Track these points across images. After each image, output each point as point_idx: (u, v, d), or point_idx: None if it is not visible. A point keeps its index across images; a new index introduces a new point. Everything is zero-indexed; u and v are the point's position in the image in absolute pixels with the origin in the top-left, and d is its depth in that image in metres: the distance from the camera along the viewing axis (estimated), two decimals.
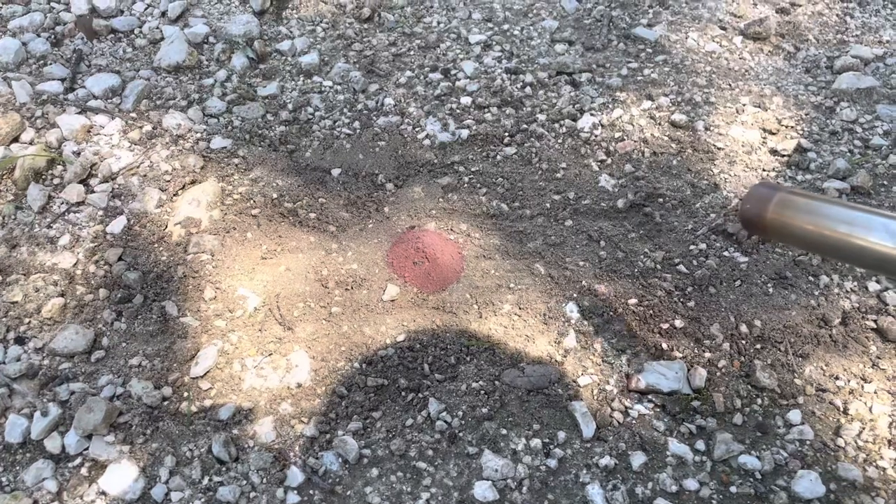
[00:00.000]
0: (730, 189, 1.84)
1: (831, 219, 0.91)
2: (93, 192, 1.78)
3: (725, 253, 1.70)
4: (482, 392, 1.46)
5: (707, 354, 1.53)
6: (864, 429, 1.42)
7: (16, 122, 1.88)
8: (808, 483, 1.33)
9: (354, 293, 1.63)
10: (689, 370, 1.50)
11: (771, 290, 1.62)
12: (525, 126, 2.00)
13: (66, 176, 1.79)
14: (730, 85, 2.13)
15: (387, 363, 1.51)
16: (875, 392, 1.47)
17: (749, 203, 1.01)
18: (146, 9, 2.30)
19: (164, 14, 2.29)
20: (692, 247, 1.72)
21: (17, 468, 1.35)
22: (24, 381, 1.45)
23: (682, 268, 1.68)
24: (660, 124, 2.00)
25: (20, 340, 1.52)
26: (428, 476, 1.34)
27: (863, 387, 1.48)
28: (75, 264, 1.65)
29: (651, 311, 1.60)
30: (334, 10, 2.36)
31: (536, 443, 1.39)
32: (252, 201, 1.80)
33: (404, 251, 1.71)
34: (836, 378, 1.50)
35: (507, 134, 1.98)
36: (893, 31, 2.33)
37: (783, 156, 1.93)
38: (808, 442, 1.40)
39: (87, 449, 1.36)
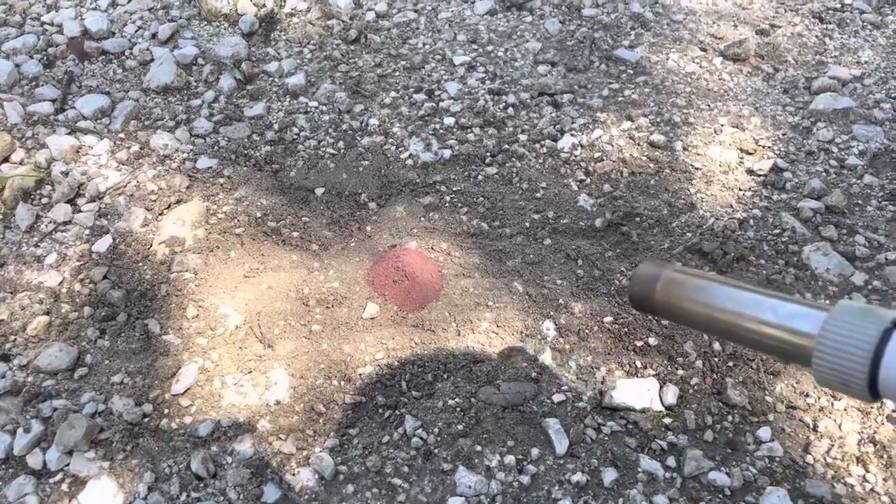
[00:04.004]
0: (706, 209, 1.87)
1: (720, 299, 0.89)
2: (80, 211, 1.82)
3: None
4: (458, 409, 1.49)
5: (680, 372, 1.56)
6: (833, 446, 1.44)
7: (6, 143, 1.91)
8: (777, 500, 1.35)
9: (335, 311, 1.66)
10: (661, 387, 1.53)
11: None
12: (507, 146, 2.04)
13: (53, 196, 1.83)
14: (709, 105, 2.17)
15: (365, 381, 1.53)
16: (844, 409, 1.49)
17: (636, 285, 0.99)
18: (137, 31, 2.35)
19: (154, 36, 2.34)
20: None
21: (0, 483, 1.37)
22: (8, 397, 1.48)
23: None
24: (639, 144, 2.04)
25: (5, 357, 1.54)
26: (402, 492, 1.36)
27: (832, 404, 1.50)
28: (61, 283, 1.68)
29: (626, 329, 1.63)
30: (322, 31, 2.41)
31: (510, 459, 1.41)
32: (236, 220, 1.83)
33: (385, 270, 1.74)
34: (807, 395, 1.52)
35: (488, 154, 2.02)
36: (872, 52, 2.37)
37: (759, 175, 1.96)
38: (777, 459, 1.42)
39: (67, 465, 1.39)
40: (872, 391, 0.72)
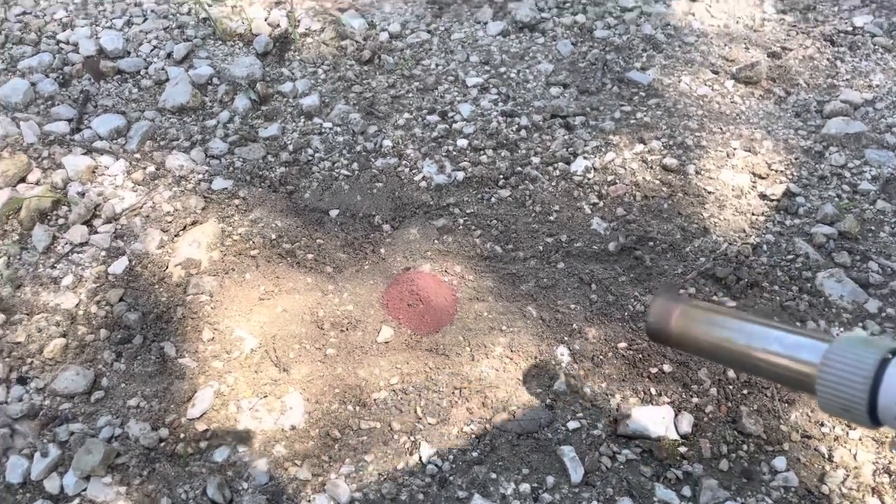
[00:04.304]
0: (720, 233, 1.88)
1: (731, 330, 0.96)
2: (96, 232, 1.83)
3: (714, 297, 1.73)
4: (473, 436, 1.49)
5: (695, 399, 1.56)
6: (848, 476, 1.44)
7: (23, 164, 1.93)
8: None
9: (349, 335, 1.66)
10: (676, 415, 1.53)
11: None
12: (519, 169, 2.05)
13: (70, 217, 1.84)
14: (721, 129, 2.18)
15: (380, 406, 1.54)
16: (860, 439, 1.49)
17: (653, 316, 1.06)
18: (152, 50, 2.37)
19: (169, 55, 2.35)
20: (682, 291, 1.76)
21: None
22: (26, 421, 1.49)
23: None
24: (651, 168, 2.05)
25: (22, 381, 1.55)
26: None
27: (847, 434, 1.50)
28: (77, 304, 1.69)
29: (640, 356, 1.63)
30: (335, 52, 2.42)
31: (525, 487, 1.41)
32: (251, 242, 1.84)
33: (399, 293, 1.75)
34: (822, 425, 1.52)
35: (501, 176, 2.03)
36: (883, 76, 2.38)
37: (772, 200, 1.97)
38: (792, 489, 1.42)
39: (85, 490, 1.39)
40: (873, 417, 0.78)
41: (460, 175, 2.03)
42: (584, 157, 2.07)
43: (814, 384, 0.82)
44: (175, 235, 1.84)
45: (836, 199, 1.97)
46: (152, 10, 2.51)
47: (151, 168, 1.99)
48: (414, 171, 2.05)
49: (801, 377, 0.85)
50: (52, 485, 1.40)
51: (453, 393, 1.56)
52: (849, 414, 0.79)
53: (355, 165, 2.06)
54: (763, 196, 1.98)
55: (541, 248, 1.86)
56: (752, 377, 1.58)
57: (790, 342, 0.88)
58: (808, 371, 0.84)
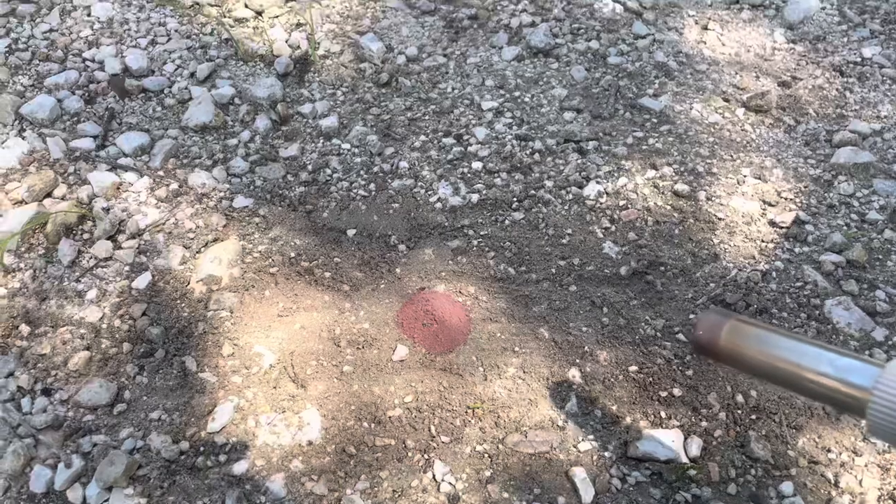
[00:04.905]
0: (729, 259, 1.91)
1: (781, 349, 0.97)
2: (120, 248, 1.88)
3: None
4: (486, 455, 1.52)
5: (704, 423, 1.59)
6: (854, 501, 1.47)
7: (49, 179, 1.98)
8: None
9: (365, 352, 1.70)
10: (686, 439, 1.56)
11: None
12: (533, 192, 2.09)
13: (95, 232, 1.89)
14: (731, 156, 2.22)
15: (395, 423, 1.57)
16: (866, 465, 1.52)
17: (702, 329, 1.07)
18: (176, 69, 2.42)
19: (192, 75, 2.41)
20: (692, 315, 1.79)
21: None
22: (50, 432, 1.53)
23: (681, 336, 1.74)
24: (663, 193, 2.09)
25: (47, 392, 1.59)
26: None
27: (854, 460, 1.53)
28: (101, 318, 1.73)
29: (651, 379, 1.66)
30: (354, 74, 2.48)
31: None
32: (271, 260, 1.88)
33: (414, 312, 1.78)
34: (829, 450, 1.55)
35: (515, 199, 2.07)
36: (892, 107, 2.42)
37: (782, 227, 2.00)
38: None
39: (107, 501, 1.43)
40: None
41: (475, 197, 2.07)
42: (597, 182, 2.12)
43: (864, 408, 0.84)
44: (197, 252, 1.89)
45: (845, 227, 2.01)
46: (176, 30, 2.57)
47: (174, 185, 2.04)
48: (429, 193, 2.09)
49: (851, 401, 0.86)
50: (74, 495, 1.43)
51: (466, 412, 1.60)
52: None
53: (372, 186, 2.11)
54: (773, 223, 2.02)
55: (553, 270, 1.90)
56: (761, 401, 1.61)
57: (842, 365, 0.89)
58: (858, 395, 0.85)
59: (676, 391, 1.64)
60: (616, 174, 2.14)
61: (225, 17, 2.64)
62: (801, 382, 0.93)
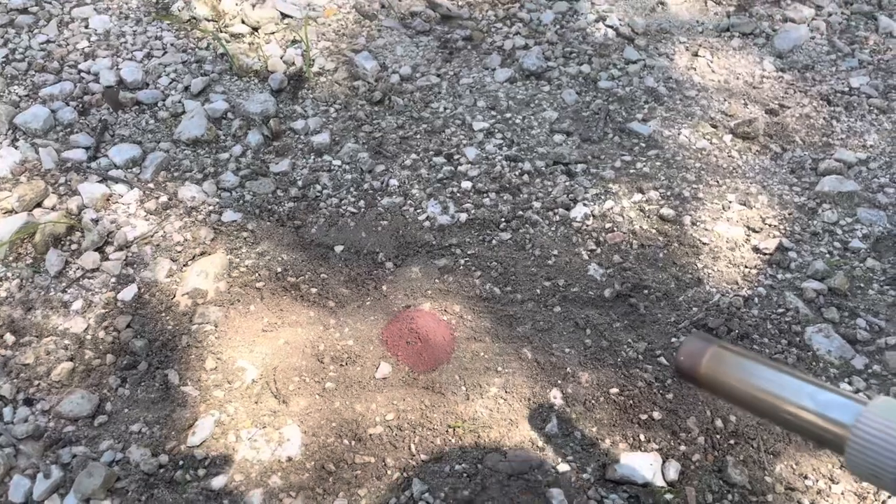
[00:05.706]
0: (713, 284, 1.93)
1: (762, 379, 0.96)
2: (108, 259, 1.89)
3: None
4: (465, 474, 1.53)
5: (682, 447, 1.60)
6: None
7: (40, 189, 1.99)
8: None
9: (348, 369, 1.71)
10: (664, 462, 1.56)
11: None
12: (521, 213, 2.11)
13: (83, 243, 1.90)
14: (717, 182, 2.24)
15: (375, 441, 1.58)
16: (842, 493, 1.53)
17: (683, 355, 1.06)
18: (170, 83, 2.45)
19: (186, 89, 2.43)
20: (674, 339, 1.80)
21: None
22: (30, 442, 1.53)
23: (663, 360, 1.76)
24: (649, 217, 2.11)
25: (29, 402, 1.60)
26: None
27: (830, 487, 1.54)
28: (86, 329, 1.74)
29: (631, 402, 1.67)
30: (348, 92, 2.50)
31: None
32: (257, 274, 1.89)
33: (398, 330, 1.79)
34: (805, 477, 1.56)
35: (503, 219, 2.09)
36: (877, 136, 2.45)
37: (765, 254, 2.02)
38: None
39: None
40: None
41: (463, 216, 2.09)
42: (584, 204, 2.14)
43: (843, 446, 0.82)
44: (184, 265, 1.90)
45: (828, 255, 2.03)
46: (172, 44, 2.60)
47: (164, 198, 2.05)
48: (418, 211, 2.11)
49: (830, 437, 0.85)
50: None
51: (447, 431, 1.60)
52: (876, 480, 0.80)
53: (362, 203, 2.13)
54: (756, 249, 2.04)
55: (538, 291, 1.91)
56: (739, 427, 1.62)
57: (823, 400, 0.87)
58: (838, 432, 0.84)
59: (656, 414, 1.65)
60: (603, 197, 2.16)
61: (221, 32, 2.67)
62: (781, 415, 0.92)
